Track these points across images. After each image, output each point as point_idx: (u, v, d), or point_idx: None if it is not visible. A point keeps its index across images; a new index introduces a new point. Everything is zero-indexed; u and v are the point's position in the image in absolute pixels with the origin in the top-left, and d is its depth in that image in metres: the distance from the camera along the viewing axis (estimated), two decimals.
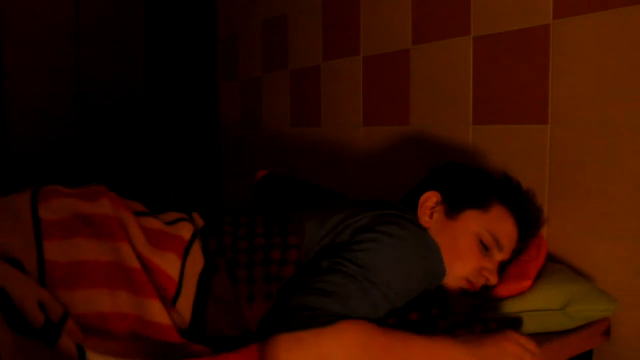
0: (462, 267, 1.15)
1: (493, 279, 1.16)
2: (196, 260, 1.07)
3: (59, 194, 1.05)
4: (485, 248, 1.17)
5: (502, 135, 1.48)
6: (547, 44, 1.36)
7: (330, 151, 2.12)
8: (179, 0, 3.04)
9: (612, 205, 1.26)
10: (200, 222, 1.16)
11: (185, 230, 1.10)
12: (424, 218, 1.21)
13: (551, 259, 1.37)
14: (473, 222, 1.18)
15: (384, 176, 1.88)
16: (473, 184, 1.24)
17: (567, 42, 1.33)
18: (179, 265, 1.05)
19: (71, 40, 2.92)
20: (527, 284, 1.19)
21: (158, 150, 3.13)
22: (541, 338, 1.14)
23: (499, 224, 1.19)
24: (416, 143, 1.74)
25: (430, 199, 1.23)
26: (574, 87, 1.32)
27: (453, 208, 1.20)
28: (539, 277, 1.23)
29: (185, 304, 1.03)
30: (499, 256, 1.18)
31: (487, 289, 1.19)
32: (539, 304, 1.16)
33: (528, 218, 1.24)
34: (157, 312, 0.98)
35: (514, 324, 1.14)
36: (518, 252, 1.28)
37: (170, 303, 1.02)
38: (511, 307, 1.16)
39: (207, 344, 1.00)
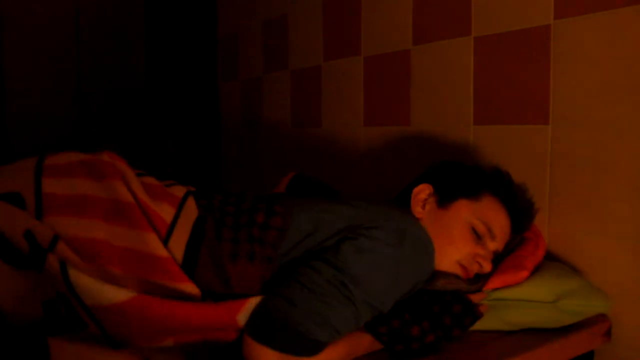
0: (455, 251, 1.17)
1: (486, 266, 1.17)
2: (190, 211, 1.10)
3: (67, 152, 1.13)
4: (477, 236, 1.18)
5: (503, 135, 1.48)
6: (547, 44, 1.36)
7: (331, 151, 2.12)
8: (179, 0, 3.04)
9: (613, 205, 1.26)
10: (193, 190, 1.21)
11: (179, 191, 1.15)
12: (417, 209, 1.23)
13: (552, 258, 1.37)
14: (465, 210, 1.20)
15: (385, 176, 1.88)
16: (464, 176, 1.27)
17: (568, 42, 1.32)
18: (173, 213, 1.09)
19: (71, 40, 2.91)
20: (524, 274, 1.20)
21: (158, 151, 3.13)
22: (541, 338, 1.14)
23: (490, 213, 1.21)
24: (417, 143, 1.74)
25: (422, 191, 1.25)
26: (575, 87, 1.32)
27: (445, 198, 1.23)
28: (535, 272, 1.23)
29: (178, 243, 1.05)
30: (492, 245, 1.20)
31: (479, 278, 1.20)
32: (531, 295, 1.17)
33: (520, 209, 1.26)
34: (153, 244, 1.01)
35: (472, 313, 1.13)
36: (513, 247, 1.29)
37: (162, 242, 1.04)
38: (501, 293, 1.17)
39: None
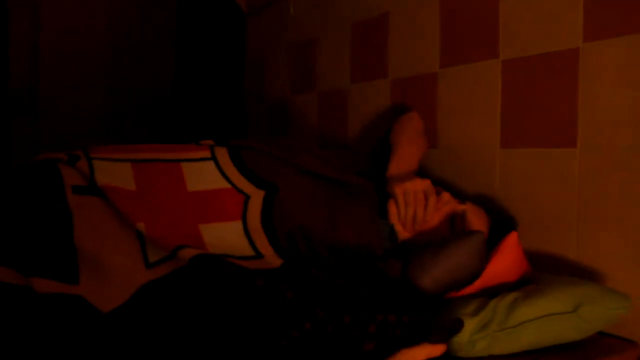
0: None
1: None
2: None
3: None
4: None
5: (530, 158, 1.47)
6: (576, 67, 1.36)
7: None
8: (210, 23, 3.09)
9: None
10: None
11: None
12: None
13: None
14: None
15: None
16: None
17: (597, 65, 1.32)
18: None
19: (105, 61, 2.99)
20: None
21: None
22: None
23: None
24: (443, 166, 1.74)
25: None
26: (604, 110, 1.31)
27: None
28: (544, 285, 1.22)
29: None
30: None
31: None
32: (549, 308, 1.13)
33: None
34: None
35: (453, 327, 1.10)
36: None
37: None
38: (519, 316, 1.13)
39: None
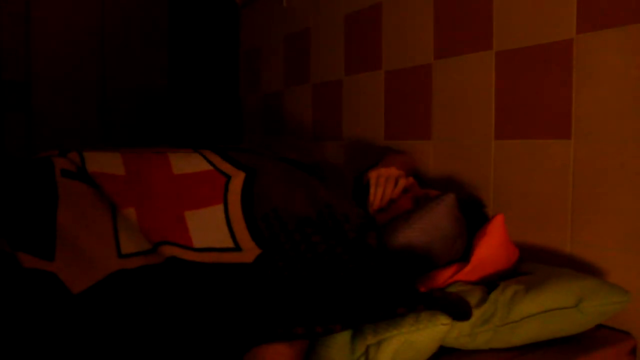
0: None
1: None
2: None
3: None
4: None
5: (524, 149, 1.47)
6: (570, 58, 1.36)
7: (352, 164, 2.12)
8: (203, 15, 3.07)
9: (637, 220, 1.24)
10: None
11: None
12: None
13: None
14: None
15: None
16: None
17: (590, 56, 1.32)
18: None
19: (98, 56, 2.97)
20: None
21: None
22: (563, 357, 1.12)
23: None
24: (438, 158, 1.74)
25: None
26: (597, 101, 1.30)
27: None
28: (544, 279, 1.21)
29: None
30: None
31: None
32: (553, 302, 1.13)
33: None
34: None
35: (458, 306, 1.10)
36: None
37: None
38: (521, 311, 1.13)
39: None
